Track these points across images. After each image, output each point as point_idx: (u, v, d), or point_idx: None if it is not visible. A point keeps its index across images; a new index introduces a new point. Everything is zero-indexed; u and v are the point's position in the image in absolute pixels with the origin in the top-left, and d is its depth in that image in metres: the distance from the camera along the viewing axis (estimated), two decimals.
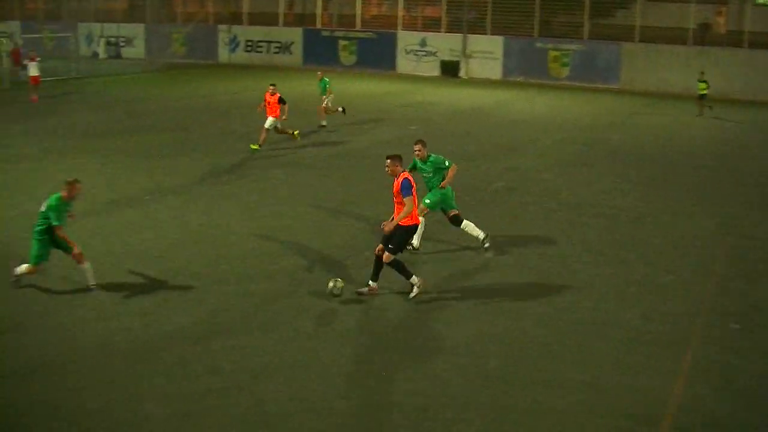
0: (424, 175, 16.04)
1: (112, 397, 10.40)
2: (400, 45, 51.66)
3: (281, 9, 59.36)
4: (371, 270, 13.89)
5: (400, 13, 53.32)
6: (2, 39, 57.57)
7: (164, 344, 11.92)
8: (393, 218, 13.73)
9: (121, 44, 62.54)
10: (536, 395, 10.60)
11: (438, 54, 50.59)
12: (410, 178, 13.72)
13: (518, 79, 47.53)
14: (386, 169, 13.94)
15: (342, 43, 53.78)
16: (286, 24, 58.59)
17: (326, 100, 31.20)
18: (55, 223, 13.58)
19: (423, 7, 55.80)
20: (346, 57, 53.49)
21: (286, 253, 16.07)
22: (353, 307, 13.39)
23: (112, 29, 62.69)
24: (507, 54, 48.73)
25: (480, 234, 16.37)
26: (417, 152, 15.93)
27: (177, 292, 13.93)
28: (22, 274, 13.91)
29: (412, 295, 13.76)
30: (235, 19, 59.73)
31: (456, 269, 15.48)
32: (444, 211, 16.36)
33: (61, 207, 13.77)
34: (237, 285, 14.26)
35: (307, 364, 11.34)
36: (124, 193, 20.67)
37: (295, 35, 56.02)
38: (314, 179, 22.49)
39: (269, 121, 26.33)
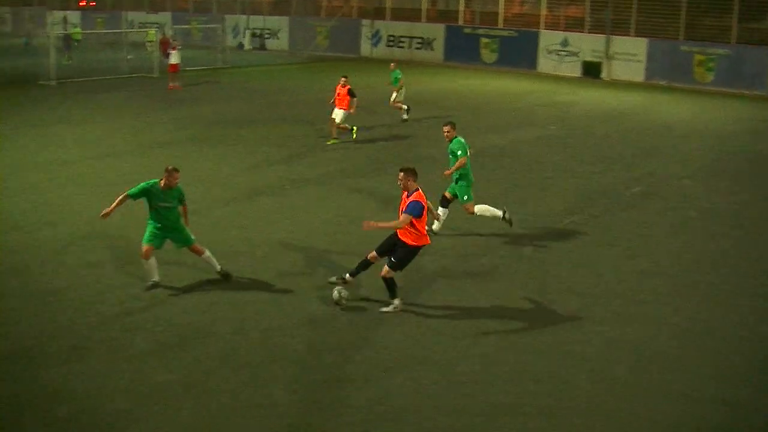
0: (450, 156, 17.23)
1: (242, 380, 10.77)
2: (542, 44, 51.16)
3: (424, 5, 59.57)
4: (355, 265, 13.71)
5: (543, 12, 52.87)
6: (150, 30, 59.52)
7: (296, 332, 12.24)
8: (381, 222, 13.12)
9: (266, 36, 63.81)
10: (666, 407, 10.49)
11: (580, 54, 49.93)
12: (423, 200, 12.84)
13: (661, 83, 46.51)
14: (398, 182, 13.12)
15: (484, 40, 53.60)
16: (429, 20, 58.74)
17: (397, 93, 31.04)
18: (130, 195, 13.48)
19: (566, 7, 55.17)
20: (488, 55, 53.29)
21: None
22: (482, 306, 13.46)
23: (258, 21, 64.01)
24: (651, 57, 47.70)
25: (439, 220, 16.21)
26: (447, 133, 17.09)
27: (309, 279, 14.25)
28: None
29: (384, 309, 13.07)
30: (378, 13, 60.20)
31: (592, 273, 15.37)
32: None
33: (153, 194, 13.55)
34: (370, 276, 14.50)
35: (435, 360, 11.48)
36: (264, 182, 21.20)
37: (437, 31, 56.11)
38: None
39: (338, 114, 26.32)
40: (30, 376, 10.78)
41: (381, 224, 12.95)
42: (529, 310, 13.44)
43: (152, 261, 13.75)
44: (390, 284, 13.14)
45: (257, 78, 45.29)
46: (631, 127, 31.60)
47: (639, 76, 47.48)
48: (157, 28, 59.85)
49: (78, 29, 63.58)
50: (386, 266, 13.02)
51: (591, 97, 40.06)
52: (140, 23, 68.67)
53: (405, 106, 31.03)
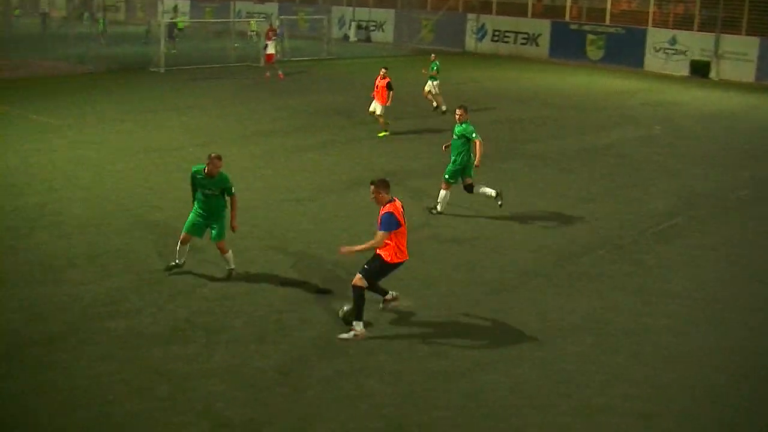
0: (454, 136, 17.78)
1: (339, 369, 10.90)
2: (649, 42, 50.29)
3: (530, 0, 59.16)
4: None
5: (652, 9, 52.00)
6: (252, 20, 60.38)
7: (395, 326, 12.33)
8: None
9: (371, 28, 64.12)
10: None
11: (688, 53, 48.95)
12: (396, 212, 11.77)
13: None
14: (370, 197, 12.09)
15: (590, 37, 52.95)
16: (535, 15, 58.29)
17: (432, 86, 30.60)
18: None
19: (675, 4, 54.18)
20: (593, 52, 52.62)
21: (521, 246, 16.19)
22: (579, 305, 13.37)
23: (363, 13, 64.36)
24: (762, 56, 46.53)
25: (491, 192, 17.88)
26: (458, 116, 17.80)
27: (410, 274, 14.32)
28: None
29: (344, 336, 11.76)
30: (484, 8, 59.97)
31: (694, 278, 15.13)
32: (462, 179, 17.86)
33: (197, 180, 13.67)
34: (469, 273, 14.52)
35: (530, 358, 11.45)
36: (365, 172, 21.33)
37: (542, 27, 55.63)
38: (556, 174, 22.42)
39: (378, 108, 26.32)
40: (134, 356, 11.10)
41: (357, 248, 11.93)
42: (627, 311, 13.28)
43: (186, 247, 14.02)
44: (357, 298, 11.82)
45: (361, 70, 45.49)
46: (739, 129, 30.91)
47: (749, 77, 46.32)
48: (263, 18, 60.62)
49: (182, 18, 64.80)
50: (358, 274, 11.89)
51: (698, 97, 39.27)
52: (248, 13, 69.62)
53: (443, 107, 30.45)
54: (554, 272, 14.90)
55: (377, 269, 11.94)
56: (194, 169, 13.79)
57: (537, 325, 12.52)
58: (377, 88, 26.52)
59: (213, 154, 13.59)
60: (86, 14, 61.07)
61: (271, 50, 39.90)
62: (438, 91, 30.89)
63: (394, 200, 11.97)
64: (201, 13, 75.92)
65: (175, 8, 75.85)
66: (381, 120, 26.53)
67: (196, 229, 13.84)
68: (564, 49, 53.51)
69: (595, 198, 19.98)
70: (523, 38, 56.38)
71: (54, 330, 11.80)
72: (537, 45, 55.46)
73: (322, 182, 20.38)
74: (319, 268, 14.50)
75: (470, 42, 58.71)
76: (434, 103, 30.87)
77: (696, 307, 13.60)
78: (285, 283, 13.80)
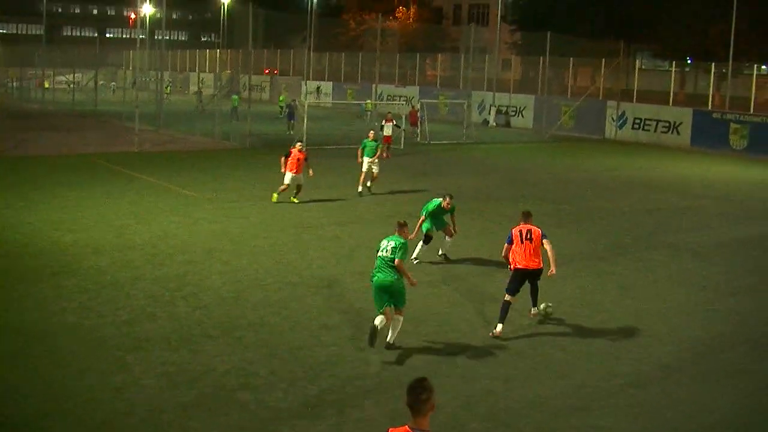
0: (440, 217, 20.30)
1: None
2: None
3: (672, 88, 58.46)
4: None
5: None
6: (368, 101, 61.44)
7: (525, 411, 12.09)
8: None
9: (511, 114, 64.36)
10: None
11: None
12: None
13: None
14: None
15: (733, 126, 51.86)
16: (676, 103, 57.55)
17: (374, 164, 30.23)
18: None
19: None
20: (737, 141, 51.46)
21: (659, 338, 15.73)
22: (721, 404, 12.84)
23: (503, 98, 64.71)
24: None
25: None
26: (446, 204, 20.22)
27: (543, 361, 14.07)
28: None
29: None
30: (624, 95, 59.53)
31: None
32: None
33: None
34: (603, 364, 14.17)
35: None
36: (500, 258, 21.17)
37: (684, 115, 54.79)
38: (696, 265, 21.80)
39: (289, 177, 27.16)
40: (262, 429, 11.18)
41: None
42: None
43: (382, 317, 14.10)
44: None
45: (500, 154, 45.62)
46: None
47: None
48: (404, 101, 61.58)
49: (282, 97, 66.53)
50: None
51: None
52: (389, 96, 70.86)
53: (368, 184, 30.23)
54: (693, 367, 14.38)
55: None
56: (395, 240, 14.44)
57: (676, 424, 12.06)
58: (295, 160, 27.23)
59: (401, 221, 15.06)
60: (235, 96, 63.25)
61: (387, 132, 40.92)
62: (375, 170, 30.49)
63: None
64: (343, 94, 77.64)
65: (318, 89, 77.83)
66: (282, 190, 27.37)
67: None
68: (706, 137, 52.49)
69: (737, 292, 19.31)
70: (664, 126, 55.60)
71: (187, 399, 11.98)
72: (678, 133, 54.59)
73: (458, 267, 20.30)
74: (451, 355, 14.35)
75: (610, 129, 58.24)
76: (366, 183, 30.38)
77: None
78: (417, 367, 13.68)
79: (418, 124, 50.57)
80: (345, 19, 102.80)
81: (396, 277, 14.10)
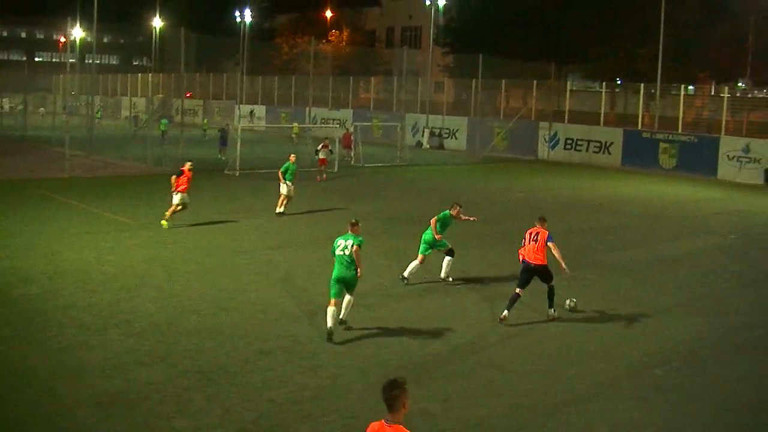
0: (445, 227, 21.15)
1: None
2: (723, 150, 49.87)
3: (603, 108, 59.33)
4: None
5: (725, 117, 51.77)
6: (295, 124, 61.52)
7: None
8: None
9: (445, 136, 64.76)
10: None
11: (762, 161, 48.38)
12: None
13: None
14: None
15: (663, 145, 52.77)
16: (607, 123, 58.40)
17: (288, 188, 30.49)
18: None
19: (748, 112, 53.92)
20: (666, 160, 52.36)
21: (593, 356, 15.87)
22: (654, 419, 12.98)
23: (437, 121, 65.11)
24: None
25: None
26: (456, 213, 21.41)
27: (480, 382, 14.10)
28: None
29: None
30: (556, 116, 60.28)
31: None
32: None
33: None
34: (539, 382, 14.25)
35: None
36: (434, 280, 21.27)
37: (615, 135, 55.63)
38: (628, 283, 22.07)
39: (180, 197, 26.96)
40: None
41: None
42: (702, 426, 12.87)
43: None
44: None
45: (434, 176, 45.85)
46: None
47: None
48: (337, 124, 61.70)
49: (206, 121, 66.48)
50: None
51: None
52: (322, 119, 70.90)
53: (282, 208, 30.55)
54: (627, 384, 14.53)
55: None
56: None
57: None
58: (185, 179, 27.10)
59: (353, 220, 17.08)
60: (164, 120, 62.78)
61: (322, 155, 41.09)
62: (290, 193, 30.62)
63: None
64: (277, 118, 77.51)
65: (251, 113, 77.61)
66: (171, 208, 27.11)
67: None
68: (636, 157, 53.38)
69: (668, 309, 19.59)
70: (596, 146, 56.40)
71: (121, 428, 11.80)
72: (609, 153, 55.44)
73: (391, 288, 20.31)
74: (388, 376, 14.31)
75: (543, 150, 58.89)
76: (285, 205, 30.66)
77: None
78: (353, 389, 13.65)
79: (352, 146, 50.66)
80: (278, 43, 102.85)
81: (353, 273, 16.20)
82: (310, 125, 61.02)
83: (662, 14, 54.63)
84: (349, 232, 16.63)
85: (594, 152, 56.32)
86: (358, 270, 16.28)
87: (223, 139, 50.69)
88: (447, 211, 21.29)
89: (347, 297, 16.46)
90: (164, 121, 61.32)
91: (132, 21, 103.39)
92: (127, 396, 12.94)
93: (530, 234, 17.96)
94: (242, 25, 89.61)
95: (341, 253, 16.27)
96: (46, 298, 18.34)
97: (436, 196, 37.15)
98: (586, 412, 13.13)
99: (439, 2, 73.28)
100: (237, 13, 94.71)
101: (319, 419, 12.35)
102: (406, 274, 20.80)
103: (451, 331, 16.90)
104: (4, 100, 77.06)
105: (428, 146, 63.82)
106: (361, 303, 18.15)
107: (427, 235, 20.96)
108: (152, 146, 46.78)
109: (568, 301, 18.42)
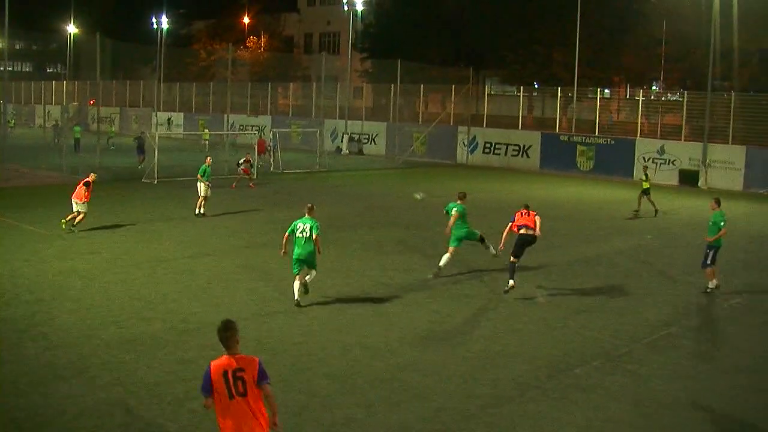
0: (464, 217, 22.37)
1: None
2: (639, 152, 50.86)
3: (521, 112, 60.00)
4: None
5: (640, 119, 52.79)
6: (206, 131, 61.08)
7: None
8: None
9: (364, 141, 64.86)
10: None
11: (676, 162, 49.49)
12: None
13: (761, 192, 45.82)
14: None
15: (580, 148, 53.58)
16: (525, 127, 59.07)
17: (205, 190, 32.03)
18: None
19: (663, 114, 55.07)
20: (584, 162, 53.22)
21: (514, 358, 15.99)
22: (575, 418, 13.13)
23: (356, 126, 65.20)
24: (749, 165, 47.11)
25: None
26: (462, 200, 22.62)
27: (401, 386, 14.12)
28: None
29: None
30: (474, 120, 60.77)
31: (688, 388, 14.93)
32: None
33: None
34: (462, 385, 14.31)
35: None
36: (357, 285, 21.27)
37: (533, 139, 56.32)
38: (548, 283, 22.24)
39: (84, 205, 27.36)
40: None
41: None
42: (624, 423, 13.07)
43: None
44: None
45: (353, 182, 45.87)
46: (729, 238, 30.94)
47: (737, 185, 46.87)
48: (256, 130, 61.41)
49: (113, 129, 65.42)
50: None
51: (688, 205, 39.61)
52: (241, 126, 70.52)
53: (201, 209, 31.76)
54: (549, 384, 14.68)
55: None
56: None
57: None
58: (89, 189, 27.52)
59: (309, 204, 19.33)
60: (77, 127, 61.67)
61: (245, 167, 40.95)
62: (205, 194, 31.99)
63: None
64: (195, 125, 76.87)
65: (169, 120, 76.84)
66: (78, 217, 27.35)
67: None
68: (554, 160, 54.15)
69: (588, 309, 19.86)
70: (514, 150, 57.04)
71: None
72: (528, 156, 56.12)
73: (313, 295, 20.22)
74: (309, 383, 14.27)
75: (462, 154, 59.34)
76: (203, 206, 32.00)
77: (693, 418, 13.40)
78: (277, 396, 13.54)
79: (271, 153, 50.43)
80: (195, 49, 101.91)
81: (312, 250, 18.57)
82: (227, 132, 60.52)
83: (578, 19, 55.51)
84: (307, 216, 18.83)
85: (513, 156, 56.98)
86: (319, 250, 18.79)
87: (140, 147, 50.02)
88: (460, 204, 22.50)
89: (311, 272, 18.96)
90: (77, 128, 60.29)
91: (46, 28, 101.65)
92: (44, 411, 12.66)
93: (521, 212, 20.74)
94: (159, 32, 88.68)
95: (300, 235, 18.51)
96: None
97: (355, 201, 37.21)
98: (509, 413, 13.23)
99: (357, 8, 73.45)
100: (153, 20, 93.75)
101: None
102: (441, 264, 22.25)
103: (372, 336, 16.91)
104: None
105: (347, 152, 63.87)
106: (282, 310, 18.13)
107: (458, 230, 22.22)
108: (67, 155, 46.01)
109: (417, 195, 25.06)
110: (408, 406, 13.27)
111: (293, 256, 18.55)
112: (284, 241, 19.03)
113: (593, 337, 17.54)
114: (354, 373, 14.72)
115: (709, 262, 21.70)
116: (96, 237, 26.49)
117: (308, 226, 18.49)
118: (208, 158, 33.12)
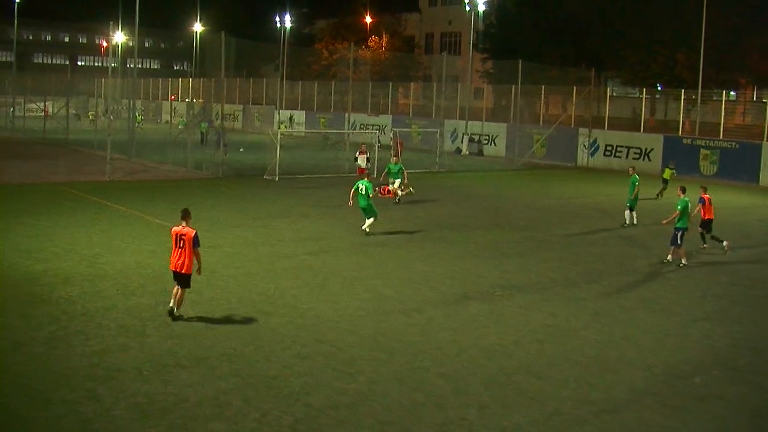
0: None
1: None
2: (765, 157, 49.39)
3: (643, 115, 58.96)
4: None
5: (767, 123, 51.26)
6: (202, 123, 61.10)
7: None
8: None
9: (484, 142, 64.61)
10: None
11: None
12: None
13: None
14: None
15: (703, 152, 52.34)
16: (647, 130, 58.01)
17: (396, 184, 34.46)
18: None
19: None
20: (707, 166, 51.93)
21: (631, 364, 15.77)
22: (694, 428, 12.87)
23: (476, 127, 64.98)
24: None
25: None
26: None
27: (516, 389, 14.07)
28: None
29: None
30: (596, 122, 59.96)
31: None
32: None
33: None
34: (577, 390, 14.19)
35: None
36: (474, 287, 21.25)
37: (655, 141, 55.25)
38: (668, 289, 21.87)
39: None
40: None
41: None
42: None
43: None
44: None
45: (473, 183, 45.76)
46: None
47: None
48: (377, 130, 61.75)
49: (140, 117, 66.05)
50: None
51: None
52: (361, 125, 71.04)
53: (404, 192, 35.27)
54: (666, 392, 14.43)
55: None
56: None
57: None
58: None
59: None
60: (203, 123, 62.90)
61: (362, 163, 40.87)
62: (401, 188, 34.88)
63: None
64: (316, 123, 77.82)
65: (291, 118, 77.97)
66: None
67: None
68: (677, 164, 52.91)
69: (708, 316, 19.42)
70: (636, 153, 56.04)
71: (158, 429, 11.88)
72: (649, 159, 55.02)
73: (429, 294, 20.30)
74: (424, 383, 14.34)
75: (582, 156, 58.61)
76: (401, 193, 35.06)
77: None
78: (390, 395, 13.66)
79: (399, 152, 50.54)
80: (318, 48, 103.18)
81: (369, 202, 27.36)
82: (350, 131, 61.06)
83: (704, 18, 54.25)
84: (366, 179, 27.68)
85: (634, 158, 55.94)
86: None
87: (219, 141, 50.20)
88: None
89: (369, 220, 27.51)
90: (203, 124, 61.57)
91: (173, 26, 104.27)
92: (165, 398, 13.03)
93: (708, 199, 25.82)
94: (282, 31, 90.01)
95: (361, 191, 27.27)
96: (86, 300, 18.54)
97: (475, 203, 37.12)
98: (622, 420, 13.05)
99: (478, 8, 73.23)
100: (277, 19, 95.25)
101: (355, 425, 12.37)
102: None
103: (488, 337, 16.87)
104: (47, 103, 77.61)
105: (467, 152, 63.74)
106: (399, 309, 18.27)
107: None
108: (192, 150, 47.10)
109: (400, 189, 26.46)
110: (521, 409, 13.22)
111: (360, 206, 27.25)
112: (350, 195, 27.76)
113: (713, 346, 17.13)
114: (468, 374, 14.73)
115: None
116: (218, 231, 27.08)
117: (364, 186, 27.19)
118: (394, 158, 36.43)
